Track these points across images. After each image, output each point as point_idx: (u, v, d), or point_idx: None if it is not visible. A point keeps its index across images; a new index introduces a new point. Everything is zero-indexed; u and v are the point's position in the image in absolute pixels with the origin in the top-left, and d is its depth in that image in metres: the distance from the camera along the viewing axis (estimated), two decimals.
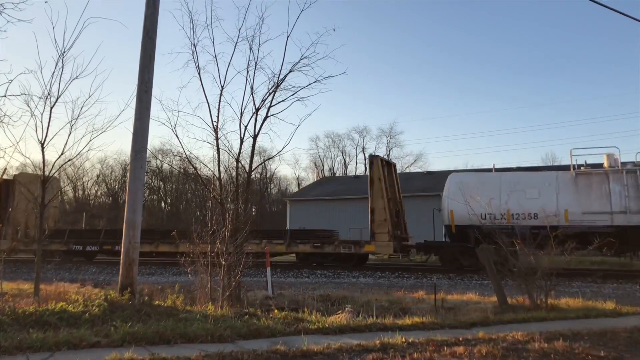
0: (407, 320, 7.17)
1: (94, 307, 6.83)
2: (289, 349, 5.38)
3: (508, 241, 8.95)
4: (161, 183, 56.06)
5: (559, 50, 76.43)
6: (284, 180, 62.67)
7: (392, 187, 19.29)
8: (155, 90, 8.70)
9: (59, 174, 11.47)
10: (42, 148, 8.20)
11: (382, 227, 17.66)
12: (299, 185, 57.86)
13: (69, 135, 8.34)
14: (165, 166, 48.91)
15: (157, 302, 7.60)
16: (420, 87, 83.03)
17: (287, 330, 6.36)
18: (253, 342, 5.82)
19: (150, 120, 8.37)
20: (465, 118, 76.36)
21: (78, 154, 8.56)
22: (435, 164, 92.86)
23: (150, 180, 52.81)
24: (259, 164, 11.05)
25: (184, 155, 9.56)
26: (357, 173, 55.75)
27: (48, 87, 8.11)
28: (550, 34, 77.30)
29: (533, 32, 77.82)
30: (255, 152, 9.52)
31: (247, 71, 9.04)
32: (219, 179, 8.90)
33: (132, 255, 7.95)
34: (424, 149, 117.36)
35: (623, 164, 16.24)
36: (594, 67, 78.57)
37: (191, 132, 14.14)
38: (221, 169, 9.18)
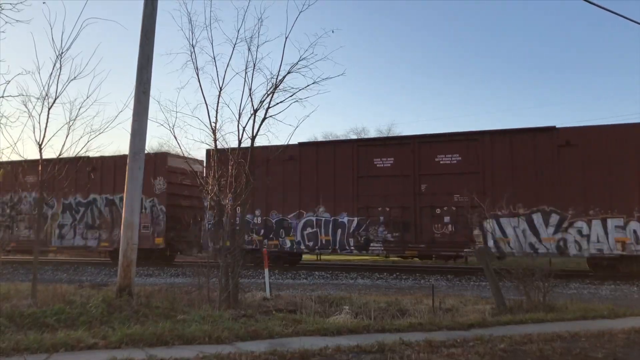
0: (405, 322, 7.18)
1: (91, 308, 6.84)
2: (286, 350, 5.38)
3: None
4: None
5: (563, 51, 76.68)
6: None
7: None
8: (154, 91, 8.72)
9: None
10: (40, 149, 8.18)
11: None
12: None
13: (67, 136, 8.33)
14: None
15: (155, 303, 7.60)
16: (419, 87, 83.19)
17: (285, 332, 6.36)
18: (251, 343, 5.83)
19: (149, 121, 8.38)
20: (465, 119, 76.41)
21: (76, 155, 8.54)
22: None
23: None
24: (258, 166, 11.09)
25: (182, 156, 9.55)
26: None
27: (46, 88, 8.09)
28: (554, 33, 77.60)
29: (537, 31, 78.11)
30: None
31: (246, 72, 9.04)
32: (218, 180, 8.90)
33: (130, 256, 7.95)
34: None
35: None
36: (599, 68, 78.83)
37: (189, 134, 14.11)
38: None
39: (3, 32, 7.38)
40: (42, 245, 19.11)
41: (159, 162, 18.90)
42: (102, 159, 19.28)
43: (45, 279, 13.79)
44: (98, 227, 19.45)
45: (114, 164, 19.23)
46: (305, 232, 16.90)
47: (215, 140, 9.03)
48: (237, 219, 9.00)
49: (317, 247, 16.88)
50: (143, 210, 18.27)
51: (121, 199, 17.67)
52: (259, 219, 17.38)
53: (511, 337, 6.20)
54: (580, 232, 14.01)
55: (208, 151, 15.69)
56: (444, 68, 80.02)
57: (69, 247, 20.14)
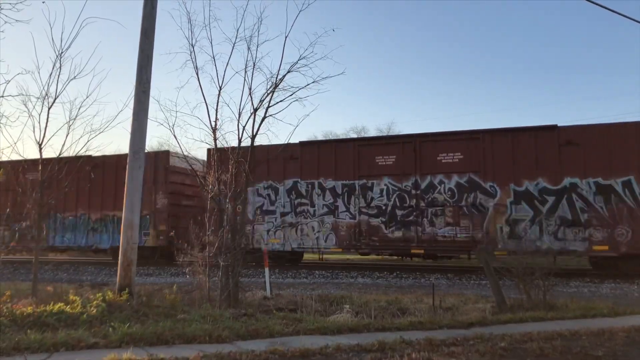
0: (405, 320, 7.19)
1: (92, 308, 6.84)
2: (287, 349, 5.39)
3: None
4: None
5: (563, 50, 76.70)
6: None
7: None
8: (153, 91, 8.74)
9: None
10: (40, 149, 8.20)
11: None
12: None
13: (67, 135, 8.36)
14: None
15: (155, 302, 7.60)
16: (419, 87, 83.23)
17: (285, 331, 6.37)
18: (251, 342, 5.83)
19: (149, 121, 8.38)
20: (464, 119, 76.38)
21: (76, 154, 8.55)
22: None
23: None
24: (257, 165, 11.16)
25: (182, 156, 9.54)
26: None
27: (46, 88, 8.12)
28: (553, 33, 77.62)
29: (536, 31, 78.13)
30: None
31: (245, 71, 9.04)
32: (218, 179, 8.90)
33: (130, 256, 7.94)
34: None
35: None
36: (600, 66, 78.80)
37: (189, 133, 14.03)
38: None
39: (2, 32, 7.41)
40: (488, 246, 14.61)
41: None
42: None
43: (45, 278, 13.79)
44: (586, 223, 14.33)
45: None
46: None
47: (215, 139, 9.03)
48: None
49: None
50: None
51: (624, 184, 14.01)
52: None
53: (511, 335, 6.20)
54: None
55: (209, 150, 15.57)
56: (444, 68, 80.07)
57: (532, 249, 13.83)
